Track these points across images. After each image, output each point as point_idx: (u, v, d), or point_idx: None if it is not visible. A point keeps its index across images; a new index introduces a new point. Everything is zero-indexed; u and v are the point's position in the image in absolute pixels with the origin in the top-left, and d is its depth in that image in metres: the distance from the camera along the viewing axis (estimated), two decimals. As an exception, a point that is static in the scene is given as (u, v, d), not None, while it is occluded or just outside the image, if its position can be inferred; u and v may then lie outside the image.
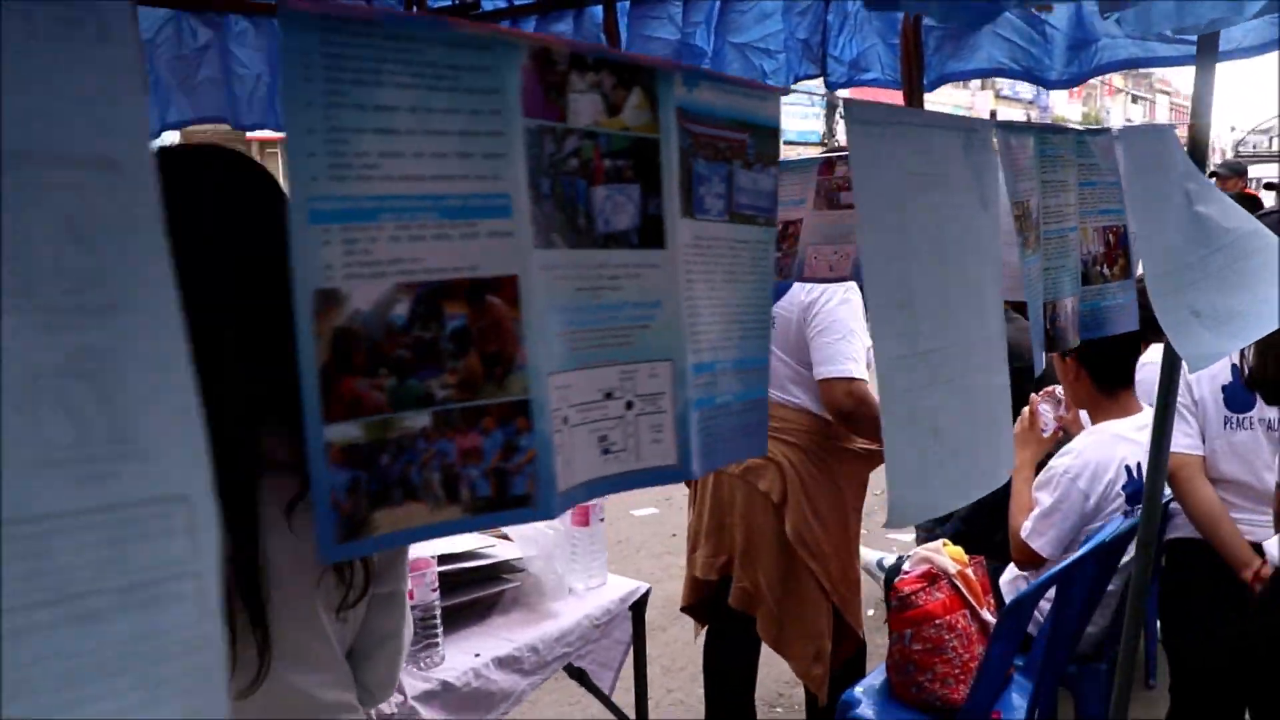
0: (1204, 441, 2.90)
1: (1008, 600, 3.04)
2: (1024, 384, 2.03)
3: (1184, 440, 2.85)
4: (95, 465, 0.51)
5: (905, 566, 3.12)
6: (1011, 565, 3.17)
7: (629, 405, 0.90)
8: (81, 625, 0.51)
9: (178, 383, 0.54)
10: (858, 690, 3.01)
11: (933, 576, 2.97)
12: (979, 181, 1.23)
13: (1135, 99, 58.55)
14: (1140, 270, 1.68)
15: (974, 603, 2.97)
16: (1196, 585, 2.93)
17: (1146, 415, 2.84)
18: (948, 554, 3.06)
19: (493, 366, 0.77)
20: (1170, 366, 2.14)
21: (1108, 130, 1.66)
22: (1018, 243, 1.43)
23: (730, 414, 1.03)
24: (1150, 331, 1.77)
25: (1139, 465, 2.90)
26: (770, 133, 1.04)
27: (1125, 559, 2.83)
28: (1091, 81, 2.55)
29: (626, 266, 0.89)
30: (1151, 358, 3.27)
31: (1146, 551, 2.34)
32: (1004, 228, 1.33)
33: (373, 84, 0.70)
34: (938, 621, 2.91)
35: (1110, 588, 2.93)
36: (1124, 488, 2.93)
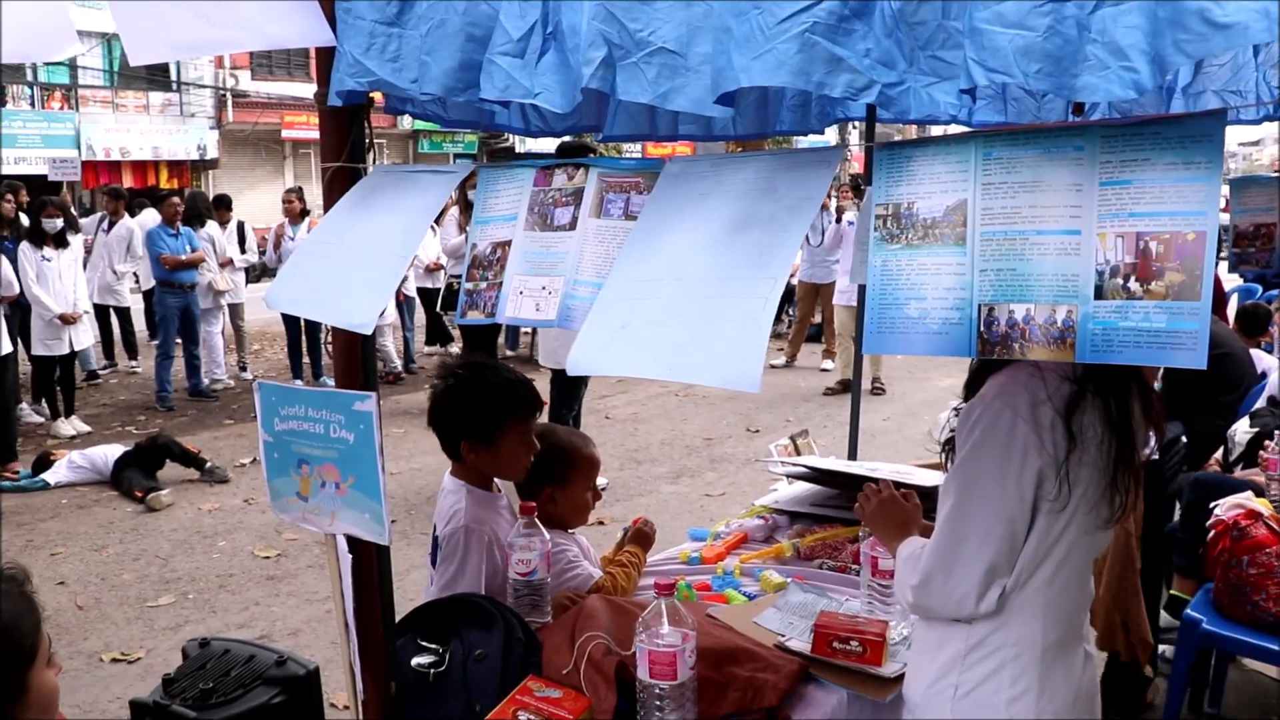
0: None
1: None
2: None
3: None
4: None
5: (1218, 512, 3.77)
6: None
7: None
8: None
9: None
10: (1192, 612, 3.66)
11: (1255, 514, 3.64)
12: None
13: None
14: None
15: (1287, 538, 3.66)
16: None
17: None
18: (1258, 502, 3.74)
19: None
20: None
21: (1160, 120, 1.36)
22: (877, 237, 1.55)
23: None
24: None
25: None
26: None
27: None
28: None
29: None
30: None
31: None
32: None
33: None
34: (1268, 550, 3.58)
35: None
36: None
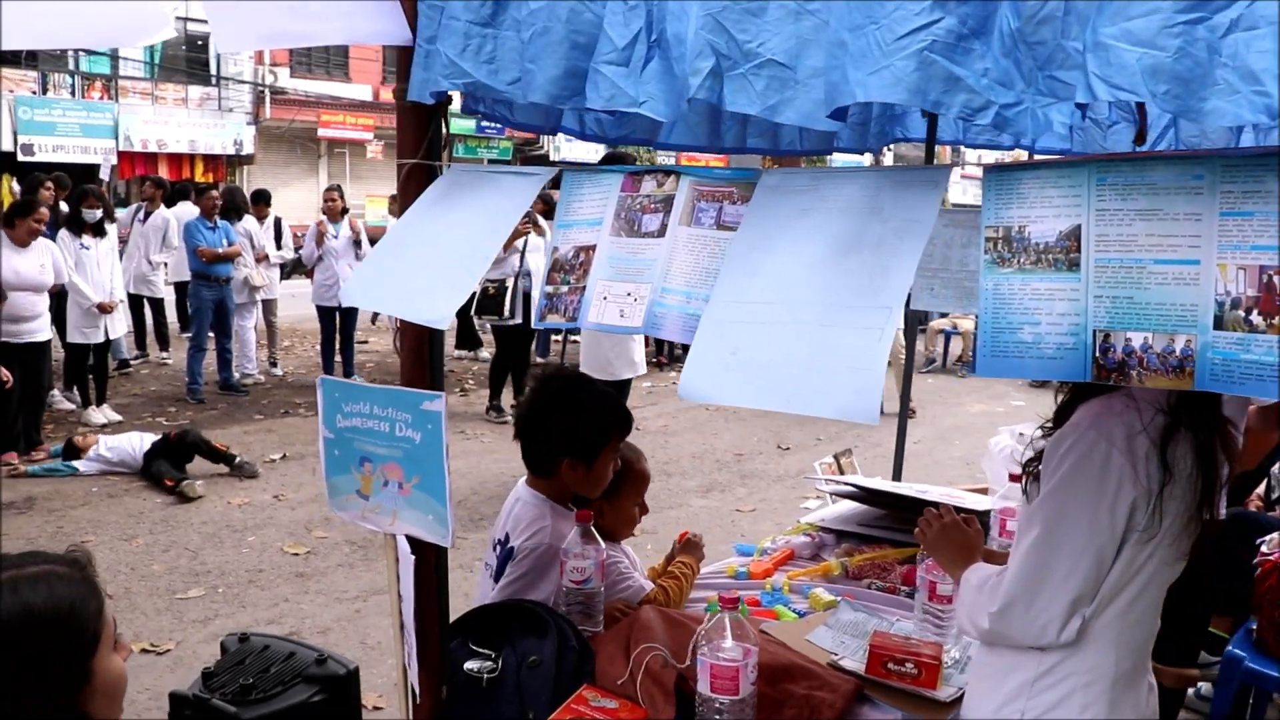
0: None
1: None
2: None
3: None
4: None
5: (1265, 549, 3.72)
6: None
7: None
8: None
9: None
10: (1234, 649, 3.61)
11: (1303, 552, 3.59)
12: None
13: None
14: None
15: (1337, 578, 3.61)
16: None
17: None
18: (1305, 538, 3.69)
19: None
20: None
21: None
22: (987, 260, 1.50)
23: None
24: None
25: None
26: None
27: None
28: None
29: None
30: None
31: None
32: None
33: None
34: (1317, 589, 3.53)
35: None
36: None
